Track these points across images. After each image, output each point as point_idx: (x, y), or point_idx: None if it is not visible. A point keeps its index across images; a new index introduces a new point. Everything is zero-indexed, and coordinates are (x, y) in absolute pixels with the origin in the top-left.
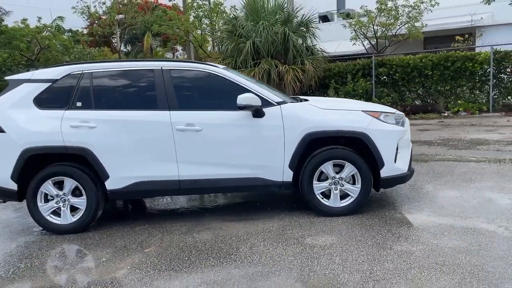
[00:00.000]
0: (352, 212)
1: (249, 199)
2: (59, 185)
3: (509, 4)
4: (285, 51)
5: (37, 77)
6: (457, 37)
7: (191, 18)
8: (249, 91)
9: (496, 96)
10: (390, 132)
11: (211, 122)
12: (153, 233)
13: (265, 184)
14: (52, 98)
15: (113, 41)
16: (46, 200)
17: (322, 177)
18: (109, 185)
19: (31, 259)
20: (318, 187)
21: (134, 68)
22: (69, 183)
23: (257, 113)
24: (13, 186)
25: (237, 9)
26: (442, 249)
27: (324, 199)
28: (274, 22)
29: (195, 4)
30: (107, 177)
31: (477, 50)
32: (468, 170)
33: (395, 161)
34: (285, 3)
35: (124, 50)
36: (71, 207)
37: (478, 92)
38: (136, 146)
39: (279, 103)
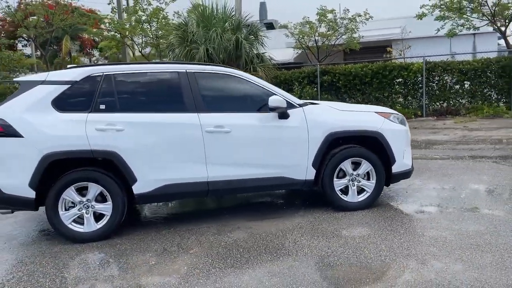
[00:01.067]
0: (368, 206)
1: (257, 199)
2: (82, 191)
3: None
4: (237, 58)
5: (53, 78)
6: (388, 49)
7: (128, 23)
8: (273, 93)
9: (427, 102)
10: (400, 131)
11: (240, 123)
12: (185, 236)
13: (290, 183)
14: (72, 101)
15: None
16: (67, 207)
17: (340, 175)
18: (137, 189)
19: (74, 271)
20: (338, 184)
21: (157, 71)
22: (94, 189)
23: (283, 115)
24: (31, 194)
25: (180, 15)
26: (467, 233)
27: (343, 195)
28: (226, 29)
29: (137, 7)
30: (134, 180)
31: (404, 60)
32: (440, 166)
33: (403, 158)
34: (233, 11)
35: (37, 54)
36: (94, 213)
37: (411, 98)
38: (165, 148)
39: (300, 105)
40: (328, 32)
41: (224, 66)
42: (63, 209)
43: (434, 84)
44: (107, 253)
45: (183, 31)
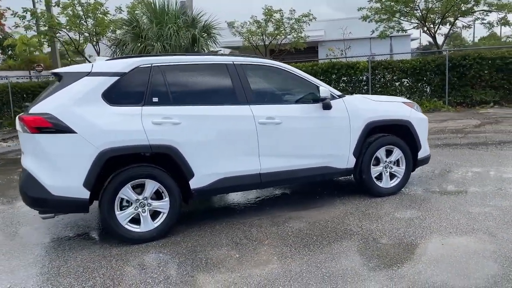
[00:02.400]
0: (398, 191)
1: (282, 191)
2: (138, 188)
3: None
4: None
5: (100, 70)
6: (330, 48)
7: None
8: (315, 85)
9: None
10: (423, 119)
11: (289, 115)
12: (243, 229)
13: (333, 172)
14: (123, 93)
15: None
16: (121, 207)
17: (374, 162)
18: (194, 183)
19: (167, 271)
20: (374, 171)
21: (205, 62)
22: (151, 186)
23: (327, 105)
24: (85, 194)
25: (123, 11)
26: (506, 208)
27: (377, 181)
28: (181, 26)
29: (75, 1)
30: (192, 175)
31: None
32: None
33: (425, 144)
34: (185, 8)
35: None
36: (150, 211)
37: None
38: (221, 141)
39: (340, 96)
40: (277, 31)
41: (267, 58)
42: (118, 209)
43: (377, 82)
44: (179, 252)
45: (134, 27)
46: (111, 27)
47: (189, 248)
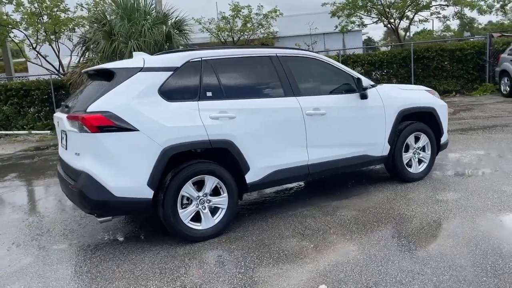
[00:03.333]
0: (425, 176)
1: (311, 182)
2: (195, 185)
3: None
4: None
5: (153, 65)
6: (297, 44)
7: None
8: (351, 75)
9: None
10: (444, 106)
11: (332, 105)
12: (298, 220)
13: (370, 160)
14: (178, 89)
15: None
16: (181, 205)
17: (405, 149)
18: (249, 177)
19: (256, 269)
20: (405, 157)
21: (251, 55)
22: (211, 182)
23: (364, 95)
24: (149, 194)
25: (84, 8)
26: None
27: (408, 167)
28: (155, 23)
29: None
30: (247, 169)
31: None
32: None
33: (446, 130)
34: (153, 4)
35: None
36: (210, 208)
37: None
38: (272, 134)
39: (372, 86)
40: (248, 26)
41: (305, 50)
42: (180, 207)
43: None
44: (249, 246)
45: (103, 24)
46: (70, 25)
47: (257, 242)
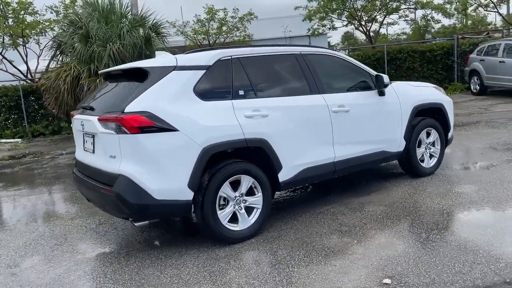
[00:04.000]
0: (436, 170)
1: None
2: (233, 185)
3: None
4: (146, 55)
5: (186, 63)
6: None
7: None
8: (369, 72)
9: None
10: (450, 102)
11: (354, 102)
12: (330, 217)
13: (388, 156)
14: (212, 87)
15: None
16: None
17: (418, 144)
18: (282, 176)
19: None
20: (418, 152)
21: (277, 53)
22: (247, 181)
23: (382, 92)
24: (189, 196)
25: (53, 9)
26: None
27: (421, 162)
28: (133, 25)
29: None
30: (280, 168)
31: None
32: None
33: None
34: (129, 7)
35: None
36: (245, 208)
37: None
38: (302, 132)
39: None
40: (218, 30)
41: (322, 47)
42: (218, 208)
43: None
44: (291, 245)
45: (79, 27)
46: (38, 29)
47: (297, 240)
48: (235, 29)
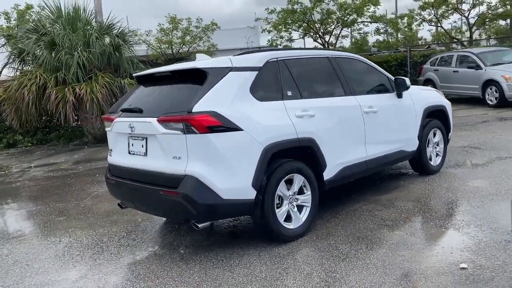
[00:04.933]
0: (441, 167)
1: None
2: (288, 184)
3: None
4: (115, 64)
5: (240, 64)
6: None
7: None
8: (386, 75)
9: None
10: (450, 104)
11: (381, 103)
12: (365, 214)
13: (405, 156)
14: (264, 88)
15: None
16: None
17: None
18: (326, 174)
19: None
20: (428, 152)
21: (314, 56)
22: (299, 180)
23: (400, 94)
24: (252, 195)
25: (5, 15)
26: None
27: (430, 161)
28: (102, 34)
29: None
30: (325, 166)
31: None
32: None
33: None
34: (93, 14)
35: None
36: (297, 207)
37: None
38: (341, 132)
39: None
40: (187, 39)
41: (345, 51)
42: (275, 207)
43: None
44: (350, 242)
45: (43, 34)
46: None
47: (350, 235)
48: (199, 38)
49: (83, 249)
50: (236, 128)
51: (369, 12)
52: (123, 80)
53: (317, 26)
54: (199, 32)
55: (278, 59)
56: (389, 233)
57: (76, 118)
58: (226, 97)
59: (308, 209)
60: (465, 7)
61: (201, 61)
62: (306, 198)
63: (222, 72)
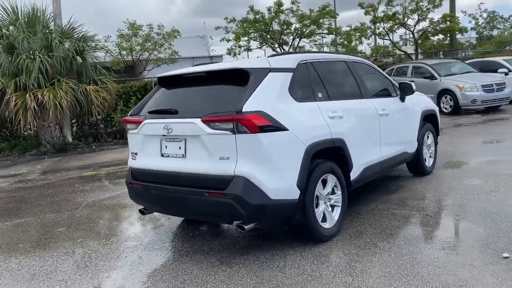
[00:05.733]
0: (433, 168)
1: None
2: (322, 184)
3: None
4: (78, 69)
5: (277, 65)
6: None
7: None
8: (390, 80)
9: None
10: (437, 109)
11: (391, 107)
12: (380, 214)
13: (407, 157)
14: (299, 89)
15: None
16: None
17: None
18: (352, 175)
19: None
20: (424, 153)
21: (333, 60)
22: (332, 180)
23: (403, 98)
24: (296, 195)
25: None
26: None
27: (425, 163)
28: (66, 37)
29: None
30: (352, 166)
31: None
32: None
33: None
34: (51, 17)
35: None
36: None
37: None
38: (363, 133)
39: None
40: (147, 46)
41: (353, 55)
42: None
43: None
44: (382, 238)
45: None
46: None
47: (382, 233)
48: (159, 45)
49: (104, 258)
50: (283, 128)
51: (325, 24)
52: (88, 87)
53: (276, 36)
54: (160, 39)
55: (307, 61)
56: (418, 229)
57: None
58: (270, 97)
59: (339, 209)
60: (411, 22)
61: (241, 62)
62: (338, 198)
63: (263, 72)
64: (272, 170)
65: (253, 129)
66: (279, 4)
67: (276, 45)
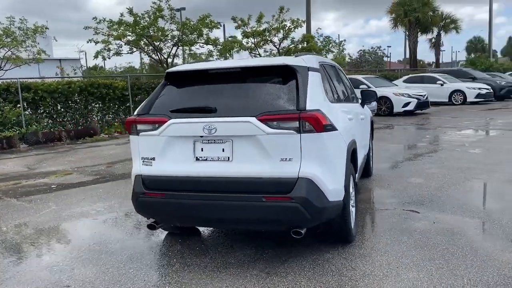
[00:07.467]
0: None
1: None
2: None
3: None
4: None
5: (311, 65)
6: (59, 67)
7: None
8: (362, 88)
9: None
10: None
11: (361, 111)
12: (386, 215)
13: (367, 160)
14: (326, 90)
15: None
16: None
17: None
18: (357, 176)
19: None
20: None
21: (331, 64)
22: (352, 180)
23: (364, 104)
24: (342, 196)
25: None
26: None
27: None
28: None
29: None
30: (357, 168)
31: None
32: None
33: None
34: None
35: None
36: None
37: (122, 114)
38: (359, 136)
39: None
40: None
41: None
42: None
43: (137, 99)
44: (400, 238)
45: None
46: None
47: (394, 229)
48: (22, 42)
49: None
50: (334, 128)
51: (203, 35)
52: None
53: (155, 43)
54: (21, 34)
55: (322, 63)
56: (418, 224)
57: None
58: (319, 96)
59: (354, 209)
60: (276, 39)
61: (285, 58)
62: (354, 199)
63: (305, 71)
64: (331, 171)
65: (319, 128)
66: (159, 10)
67: (155, 50)
